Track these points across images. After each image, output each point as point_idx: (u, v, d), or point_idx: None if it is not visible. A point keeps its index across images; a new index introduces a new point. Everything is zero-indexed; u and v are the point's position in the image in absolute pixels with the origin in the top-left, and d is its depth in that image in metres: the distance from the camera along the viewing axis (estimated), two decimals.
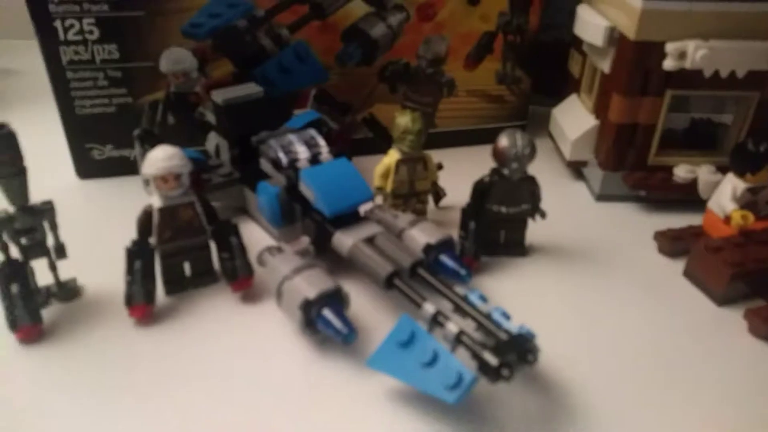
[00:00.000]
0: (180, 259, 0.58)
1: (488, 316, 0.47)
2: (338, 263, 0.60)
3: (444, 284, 0.52)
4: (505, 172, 0.61)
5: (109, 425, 0.47)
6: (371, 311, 0.57)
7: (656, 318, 0.58)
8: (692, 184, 0.72)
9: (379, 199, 0.66)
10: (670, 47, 0.65)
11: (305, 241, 0.59)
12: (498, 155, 0.61)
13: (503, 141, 0.61)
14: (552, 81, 0.91)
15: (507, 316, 0.47)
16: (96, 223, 0.69)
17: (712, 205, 0.67)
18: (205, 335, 0.55)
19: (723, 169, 0.68)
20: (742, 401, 0.50)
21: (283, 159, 0.62)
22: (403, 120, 0.63)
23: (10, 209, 0.53)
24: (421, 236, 0.58)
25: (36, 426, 0.47)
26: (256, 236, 0.67)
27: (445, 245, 0.58)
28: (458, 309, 0.50)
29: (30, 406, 0.48)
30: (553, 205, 0.65)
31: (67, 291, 0.58)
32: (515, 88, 0.90)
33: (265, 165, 0.64)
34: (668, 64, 0.66)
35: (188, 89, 0.72)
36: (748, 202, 0.64)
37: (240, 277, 0.58)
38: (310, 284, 0.51)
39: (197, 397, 0.49)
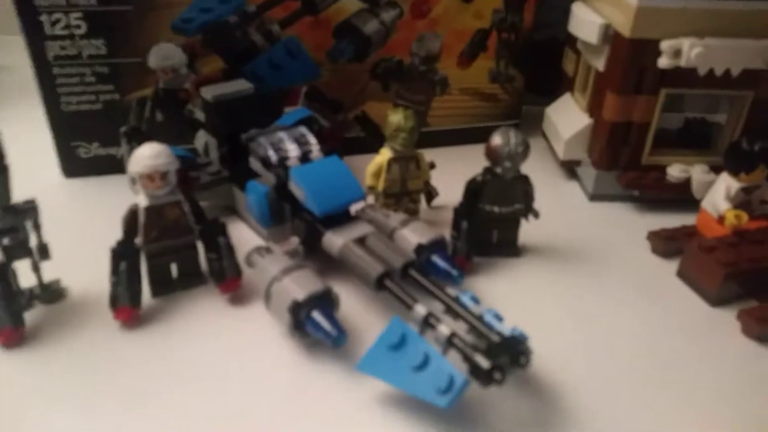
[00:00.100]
0: (166, 260, 0.57)
1: (480, 318, 0.47)
2: (328, 264, 0.59)
3: (436, 285, 0.51)
4: (498, 171, 0.61)
5: (94, 431, 0.45)
6: (362, 313, 0.57)
7: (649, 319, 0.58)
8: (686, 183, 0.71)
9: (370, 199, 0.65)
10: (665, 45, 0.65)
11: (295, 241, 0.59)
12: (491, 154, 0.60)
13: (496, 139, 0.60)
14: (546, 79, 0.91)
15: (499, 318, 0.47)
16: (81, 223, 0.68)
17: (705, 204, 0.66)
18: (193, 338, 0.54)
19: (717, 169, 0.68)
20: (735, 401, 0.50)
21: (273, 157, 0.61)
22: (395, 118, 0.62)
23: None
24: (412, 236, 0.57)
25: None
26: (245, 236, 0.66)
27: (437, 245, 0.57)
28: (450, 310, 0.49)
29: (12, 411, 0.47)
30: (546, 204, 0.64)
31: (51, 293, 0.57)
32: (509, 87, 0.89)
33: (255, 163, 0.63)
34: (663, 62, 0.66)
35: (177, 86, 0.70)
36: (741, 201, 0.64)
37: (228, 278, 0.57)
38: (299, 286, 0.50)
39: (184, 401, 0.48)
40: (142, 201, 0.54)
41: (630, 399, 0.50)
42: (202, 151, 0.72)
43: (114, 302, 0.53)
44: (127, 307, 0.54)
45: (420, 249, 0.56)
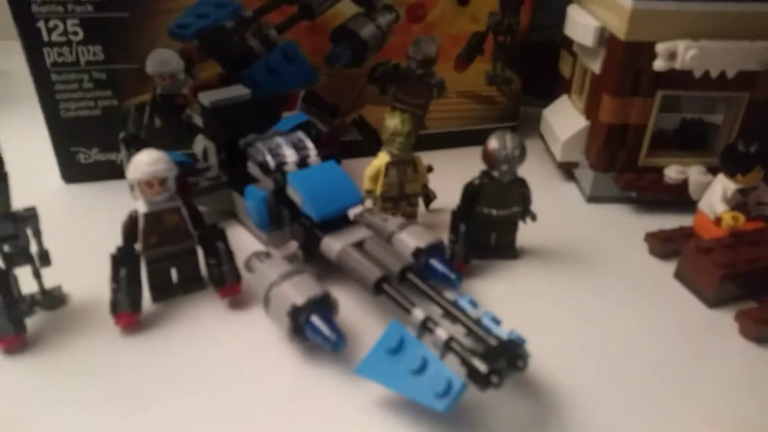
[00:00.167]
0: (166, 265, 0.58)
1: (478, 322, 0.47)
2: (327, 268, 0.59)
3: (434, 289, 0.51)
4: (495, 174, 0.61)
5: None
6: (360, 317, 0.57)
7: (647, 320, 0.58)
8: (683, 185, 0.72)
9: (368, 203, 0.66)
10: (661, 47, 0.65)
11: (293, 246, 0.59)
12: (488, 157, 0.61)
13: (493, 143, 0.60)
14: (543, 82, 0.91)
15: (497, 321, 0.47)
16: (82, 229, 0.68)
17: (702, 206, 0.66)
18: (193, 342, 0.54)
19: (714, 170, 0.68)
20: (733, 403, 0.50)
21: (271, 162, 0.61)
22: (393, 122, 0.62)
23: None
24: (410, 240, 0.57)
25: None
26: (244, 241, 0.66)
27: (435, 249, 0.57)
28: (448, 314, 0.49)
29: (14, 417, 0.47)
30: (543, 206, 0.65)
31: (52, 299, 0.57)
32: (506, 89, 0.89)
33: (253, 168, 0.63)
34: (658, 64, 0.66)
35: (175, 91, 0.71)
36: (738, 203, 0.64)
37: (227, 283, 0.57)
38: (299, 290, 0.50)
39: (184, 405, 0.48)
40: (141, 207, 0.54)
41: (628, 401, 0.50)
42: (201, 156, 0.72)
43: (114, 308, 0.54)
44: (127, 312, 0.54)
45: (418, 252, 0.56)
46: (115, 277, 0.53)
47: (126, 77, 0.74)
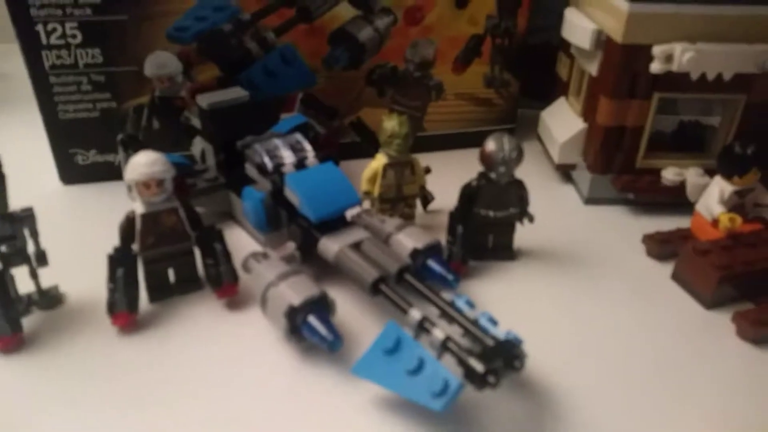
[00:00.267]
0: (164, 266, 0.58)
1: (475, 322, 0.47)
2: (325, 269, 0.59)
3: (431, 290, 0.51)
4: (493, 176, 0.61)
5: None
6: (357, 317, 0.57)
7: (644, 321, 0.58)
8: (680, 186, 0.72)
9: (366, 204, 0.66)
10: (657, 50, 0.65)
11: (291, 246, 0.59)
12: (485, 159, 0.61)
13: (490, 145, 0.60)
14: (540, 84, 0.91)
15: (494, 322, 0.47)
16: (79, 230, 0.69)
17: (700, 207, 0.67)
18: (190, 343, 0.54)
19: (711, 172, 0.68)
20: (730, 404, 0.50)
21: (268, 164, 0.61)
22: (390, 124, 0.62)
23: None
24: (408, 241, 0.57)
25: None
26: (242, 242, 0.67)
27: (433, 250, 0.57)
28: (445, 315, 0.49)
29: (10, 417, 0.47)
30: (541, 208, 0.65)
31: (49, 299, 0.57)
32: (503, 92, 0.89)
33: (251, 170, 0.64)
34: (655, 67, 0.66)
35: (173, 93, 0.71)
36: (735, 204, 0.64)
37: (225, 283, 0.57)
38: (295, 291, 0.50)
39: (181, 405, 0.48)
40: (138, 208, 0.54)
41: (625, 402, 0.50)
42: (199, 158, 0.73)
43: (111, 308, 0.54)
44: (124, 312, 0.54)
45: (415, 253, 0.56)
46: (112, 277, 0.53)
47: (124, 79, 0.74)
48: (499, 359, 0.44)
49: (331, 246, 0.56)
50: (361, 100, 0.83)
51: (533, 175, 0.68)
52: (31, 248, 0.54)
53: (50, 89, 0.73)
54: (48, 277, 0.57)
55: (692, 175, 0.71)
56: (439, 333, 0.46)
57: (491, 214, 0.63)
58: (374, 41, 0.79)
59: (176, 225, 0.56)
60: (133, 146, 0.67)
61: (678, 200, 0.72)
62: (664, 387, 0.51)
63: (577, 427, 0.47)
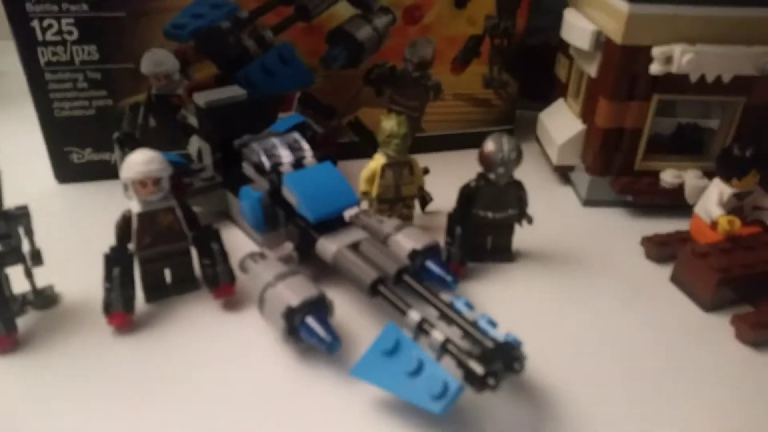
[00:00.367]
0: (160, 266, 0.57)
1: (474, 324, 0.47)
2: (323, 270, 0.59)
3: (430, 291, 0.51)
4: (492, 176, 0.61)
5: None
6: (356, 318, 0.56)
7: (643, 324, 0.58)
8: (679, 189, 0.72)
9: (364, 204, 0.65)
10: (657, 51, 0.65)
11: (288, 247, 0.58)
12: (484, 160, 0.61)
13: (489, 146, 0.60)
14: (539, 85, 0.91)
15: (493, 324, 0.47)
16: (75, 229, 0.68)
17: (698, 210, 0.66)
18: (186, 343, 0.54)
19: (710, 174, 0.68)
20: (729, 407, 0.50)
21: (266, 163, 0.61)
22: (389, 124, 0.62)
23: None
24: (406, 242, 0.57)
25: None
26: (239, 242, 0.66)
27: (431, 251, 0.57)
28: (444, 316, 0.49)
29: (5, 417, 0.47)
30: (540, 210, 0.65)
31: (44, 298, 0.57)
32: (502, 92, 0.89)
33: (248, 169, 0.63)
34: (654, 68, 0.66)
35: (170, 91, 0.71)
36: (734, 207, 0.64)
37: (221, 283, 0.56)
38: (293, 291, 0.50)
39: (177, 406, 0.48)
40: (135, 207, 0.54)
41: (623, 404, 0.50)
42: (196, 156, 0.72)
43: (107, 308, 0.53)
44: (120, 312, 0.53)
45: (414, 254, 0.56)
46: (108, 276, 0.53)
47: (121, 77, 0.73)
48: (499, 361, 0.44)
49: (329, 246, 0.56)
50: (359, 99, 0.83)
51: (532, 176, 0.68)
52: (26, 247, 0.54)
53: (46, 86, 0.72)
54: (43, 277, 0.56)
55: (691, 178, 0.71)
56: (438, 335, 0.46)
57: (490, 215, 0.62)
58: (373, 40, 0.79)
59: (173, 224, 0.55)
60: (129, 144, 0.67)
61: (677, 202, 0.72)
62: (663, 389, 0.51)
63: (577, 429, 0.47)
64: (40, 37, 0.70)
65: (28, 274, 0.55)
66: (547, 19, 0.86)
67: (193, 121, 0.70)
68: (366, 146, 0.77)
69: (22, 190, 0.55)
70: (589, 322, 0.58)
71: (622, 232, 0.71)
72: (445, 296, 0.50)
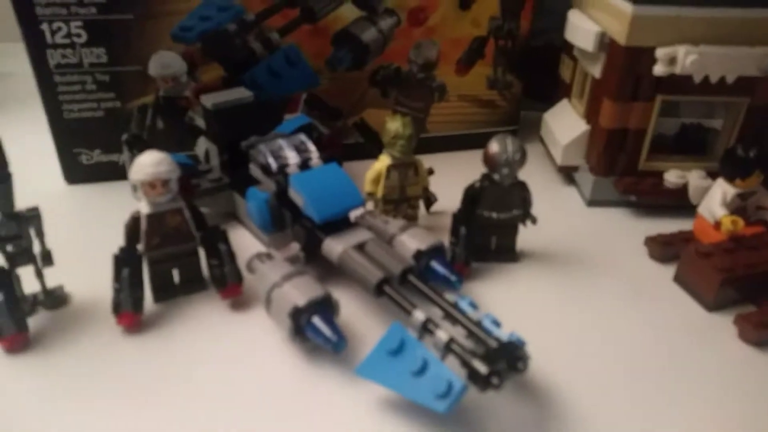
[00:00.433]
0: (168, 266, 0.58)
1: (478, 324, 0.47)
2: (329, 270, 0.59)
3: (434, 291, 0.51)
4: (496, 177, 0.61)
5: None
6: (361, 318, 0.57)
7: (646, 324, 0.58)
8: (683, 189, 0.72)
9: (370, 205, 0.66)
10: (660, 53, 0.66)
11: (295, 247, 0.59)
12: (488, 160, 0.61)
13: (494, 146, 0.60)
14: (543, 86, 0.91)
15: (497, 324, 0.47)
16: (84, 230, 0.69)
17: (702, 210, 0.67)
18: (194, 343, 0.54)
19: (713, 175, 0.68)
20: (732, 406, 0.50)
21: (273, 164, 0.61)
22: (394, 125, 0.62)
23: None
24: (411, 242, 0.57)
25: None
26: (246, 242, 0.67)
27: (436, 251, 0.57)
28: (448, 316, 0.49)
29: (15, 416, 0.47)
30: (544, 210, 0.65)
31: (54, 299, 0.57)
32: (506, 93, 0.89)
33: (255, 170, 0.64)
34: (658, 69, 0.66)
35: (177, 93, 0.71)
36: (738, 207, 0.64)
37: (229, 284, 0.57)
38: (300, 291, 0.50)
39: (186, 405, 0.48)
40: (143, 208, 0.54)
41: (627, 404, 0.50)
42: (203, 158, 0.73)
43: (117, 308, 0.54)
44: (129, 312, 0.54)
45: (419, 255, 0.56)
46: (117, 277, 0.53)
47: (129, 79, 0.74)
48: (503, 361, 0.45)
49: (335, 247, 0.56)
50: (365, 101, 0.83)
51: (536, 177, 0.68)
52: (36, 248, 0.54)
53: (55, 88, 0.73)
54: (53, 277, 0.57)
55: (694, 178, 0.71)
56: (442, 334, 0.46)
57: (494, 215, 0.63)
58: (378, 42, 0.79)
59: (181, 225, 0.56)
60: (137, 146, 0.68)
61: (680, 203, 0.72)
62: (666, 389, 0.51)
63: (580, 428, 0.48)
64: (49, 39, 0.70)
65: (39, 275, 0.56)
66: (551, 20, 0.86)
67: (200, 122, 0.71)
68: (371, 147, 0.77)
69: (32, 192, 0.55)
70: (592, 322, 0.58)
71: (626, 232, 0.72)
72: (450, 296, 0.50)
